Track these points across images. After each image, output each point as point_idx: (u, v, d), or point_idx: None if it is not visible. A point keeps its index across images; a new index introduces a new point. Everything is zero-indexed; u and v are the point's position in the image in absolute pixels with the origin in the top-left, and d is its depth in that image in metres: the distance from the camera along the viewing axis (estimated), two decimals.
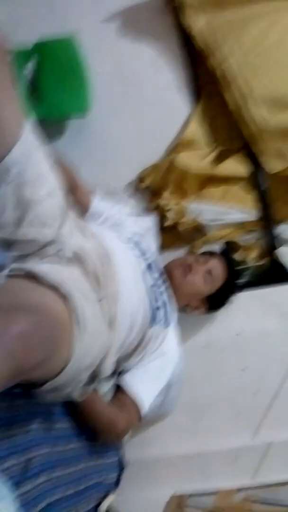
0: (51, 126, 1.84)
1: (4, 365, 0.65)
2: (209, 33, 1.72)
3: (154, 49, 1.89)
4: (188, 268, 1.54)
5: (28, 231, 1.02)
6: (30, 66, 1.81)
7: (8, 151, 0.95)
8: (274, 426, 1.64)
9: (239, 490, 1.48)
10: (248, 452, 1.61)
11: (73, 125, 1.87)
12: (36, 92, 1.76)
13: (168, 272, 1.54)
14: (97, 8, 1.91)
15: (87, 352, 0.92)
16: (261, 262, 1.77)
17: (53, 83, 1.73)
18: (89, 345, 0.92)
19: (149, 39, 1.89)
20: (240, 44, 1.69)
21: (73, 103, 1.76)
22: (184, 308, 1.61)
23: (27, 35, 1.76)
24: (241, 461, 1.60)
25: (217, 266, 1.57)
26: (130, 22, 1.91)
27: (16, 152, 0.96)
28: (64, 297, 0.88)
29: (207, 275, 1.55)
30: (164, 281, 1.49)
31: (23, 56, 1.77)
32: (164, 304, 1.42)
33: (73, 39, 1.74)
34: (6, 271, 0.88)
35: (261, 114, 1.67)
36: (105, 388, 1.36)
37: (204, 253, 1.66)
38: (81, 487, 1.20)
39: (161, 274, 1.50)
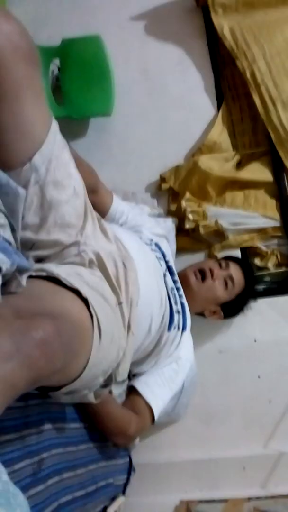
0: (74, 125, 1.84)
1: (23, 372, 0.65)
2: (239, 33, 1.71)
3: (180, 50, 1.88)
4: (208, 273, 1.52)
5: (51, 232, 1.01)
6: (55, 65, 1.82)
7: (36, 151, 0.95)
8: (286, 436, 1.62)
9: (249, 499, 1.46)
10: (259, 461, 1.59)
11: (95, 125, 1.87)
12: (60, 91, 1.77)
13: (184, 277, 1.52)
14: (123, 7, 1.92)
15: (105, 357, 0.91)
16: (280, 269, 1.75)
17: (77, 82, 1.74)
18: (107, 350, 0.91)
19: (175, 40, 1.89)
20: (271, 46, 1.68)
21: (97, 103, 1.76)
22: (200, 313, 1.60)
23: (53, 33, 1.77)
24: (252, 470, 1.58)
25: (237, 272, 1.56)
26: (157, 22, 1.91)
27: (43, 152, 0.96)
28: (84, 300, 0.88)
29: (228, 281, 1.53)
30: (180, 286, 1.48)
31: (48, 54, 1.77)
32: (182, 308, 1.41)
33: (98, 38, 1.74)
34: (27, 273, 0.87)
35: None
36: (119, 390, 1.36)
37: (223, 259, 1.64)
38: (92, 489, 1.20)
39: (177, 278, 1.49)
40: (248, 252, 1.75)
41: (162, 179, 1.79)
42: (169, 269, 1.43)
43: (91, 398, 1.01)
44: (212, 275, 1.52)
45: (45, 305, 0.80)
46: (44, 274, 0.90)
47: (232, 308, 1.61)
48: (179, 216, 1.74)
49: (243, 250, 1.75)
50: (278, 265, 1.75)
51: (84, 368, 0.85)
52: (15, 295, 0.82)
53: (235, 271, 1.56)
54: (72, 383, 0.85)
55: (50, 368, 0.70)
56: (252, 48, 1.70)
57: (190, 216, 1.70)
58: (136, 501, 1.45)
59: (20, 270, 0.85)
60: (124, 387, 1.39)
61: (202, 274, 1.53)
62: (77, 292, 0.89)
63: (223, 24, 1.75)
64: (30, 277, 0.88)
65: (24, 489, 0.88)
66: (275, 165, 1.72)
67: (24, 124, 0.92)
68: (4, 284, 0.82)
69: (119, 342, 1.00)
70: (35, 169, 0.96)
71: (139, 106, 1.85)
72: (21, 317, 0.70)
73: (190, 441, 1.66)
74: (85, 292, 0.89)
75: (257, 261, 1.76)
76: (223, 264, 1.56)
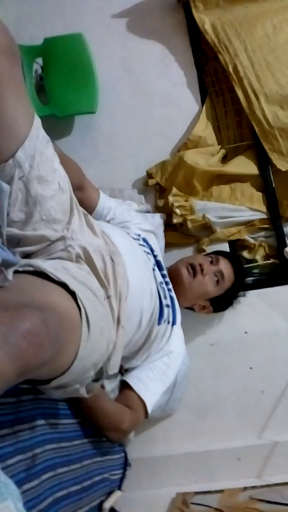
0: (59, 123, 1.85)
1: (11, 362, 0.65)
2: (221, 28, 1.73)
3: (162, 46, 1.89)
4: (198, 268, 1.52)
5: (37, 228, 1.02)
6: (38, 64, 1.82)
7: (19, 147, 0.96)
8: (279, 426, 1.64)
9: (245, 489, 1.47)
10: (254, 451, 1.60)
11: (80, 123, 1.88)
12: (44, 90, 1.77)
13: (174, 272, 1.53)
14: (105, 5, 1.93)
15: (94, 349, 0.92)
16: (269, 261, 1.76)
17: (61, 81, 1.74)
18: (97, 343, 0.92)
19: (157, 36, 1.90)
20: (252, 40, 1.70)
21: (81, 101, 1.77)
22: (190, 308, 1.61)
23: (36, 32, 1.77)
24: (247, 460, 1.59)
25: (227, 267, 1.56)
26: (138, 19, 1.92)
27: (26, 148, 0.96)
28: (72, 294, 0.88)
29: (218, 276, 1.53)
30: (168, 280, 1.48)
31: (31, 54, 1.78)
32: (172, 302, 1.42)
33: (81, 36, 1.75)
34: (14, 267, 0.88)
35: (273, 111, 1.66)
36: (112, 385, 1.36)
37: (213, 253, 1.65)
38: (87, 484, 1.20)
39: (166, 272, 1.49)
40: (236, 245, 1.77)
41: (149, 175, 1.80)
42: (158, 263, 1.44)
43: (83, 392, 1.01)
44: (202, 271, 1.53)
45: (32, 298, 0.80)
46: (31, 269, 0.90)
47: (221, 302, 1.62)
48: (167, 211, 1.75)
49: (231, 243, 1.76)
50: (266, 257, 1.77)
51: (74, 360, 0.85)
52: (2, 289, 0.82)
53: (225, 266, 1.56)
54: (62, 375, 0.86)
55: (38, 359, 0.70)
56: (234, 42, 1.71)
57: (178, 211, 1.71)
58: (133, 496, 1.45)
59: (7, 265, 0.85)
60: (116, 382, 1.39)
61: (193, 269, 1.54)
62: (64, 286, 0.90)
63: (204, 19, 1.76)
64: (17, 272, 0.89)
65: (18, 484, 0.88)
66: (260, 158, 1.74)
67: (6, 120, 0.92)
68: None
69: (108, 335, 1.00)
70: (18, 165, 0.96)
71: (123, 103, 1.86)
72: (7, 310, 0.71)
73: (184, 434, 1.67)
74: (72, 285, 0.90)
75: (245, 254, 1.77)
76: (213, 259, 1.57)
